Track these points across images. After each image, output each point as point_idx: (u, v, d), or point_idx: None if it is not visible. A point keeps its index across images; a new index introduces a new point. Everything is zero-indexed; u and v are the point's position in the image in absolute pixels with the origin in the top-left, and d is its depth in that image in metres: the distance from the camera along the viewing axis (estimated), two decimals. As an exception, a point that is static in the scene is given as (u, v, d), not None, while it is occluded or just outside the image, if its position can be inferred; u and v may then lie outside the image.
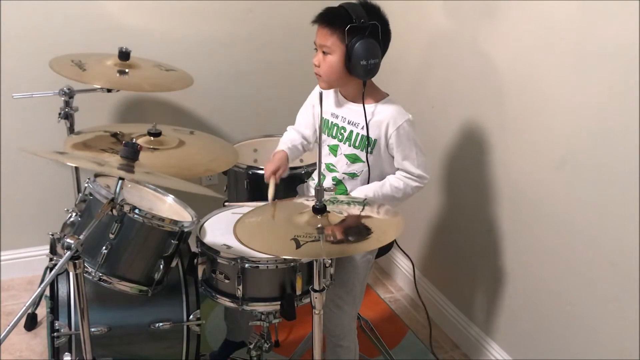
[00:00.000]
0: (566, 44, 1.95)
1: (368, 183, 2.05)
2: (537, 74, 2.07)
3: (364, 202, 1.83)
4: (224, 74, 3.04)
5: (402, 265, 3.02)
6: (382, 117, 2.00)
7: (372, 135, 2.01)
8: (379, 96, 2.04)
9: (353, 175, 2.06)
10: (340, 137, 2.07)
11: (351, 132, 2.04)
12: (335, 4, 1.99)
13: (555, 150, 2.04)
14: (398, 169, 2.03)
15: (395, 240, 2.31)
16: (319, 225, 1.62)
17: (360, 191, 2.02)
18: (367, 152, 2.01)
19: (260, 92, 3.12)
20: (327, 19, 1.96)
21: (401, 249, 2.47)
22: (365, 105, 2.00)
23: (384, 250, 2.23)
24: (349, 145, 2.05)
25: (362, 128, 2.01)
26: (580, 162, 1.95)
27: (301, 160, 2.57)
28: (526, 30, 2.10)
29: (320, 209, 1.64)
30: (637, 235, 1.77)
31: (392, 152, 2.02)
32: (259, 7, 2.98)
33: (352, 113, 2.04)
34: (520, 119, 2.17)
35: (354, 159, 2.04)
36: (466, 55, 2.40)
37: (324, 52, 1.98)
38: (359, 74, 1.95)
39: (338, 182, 2.08)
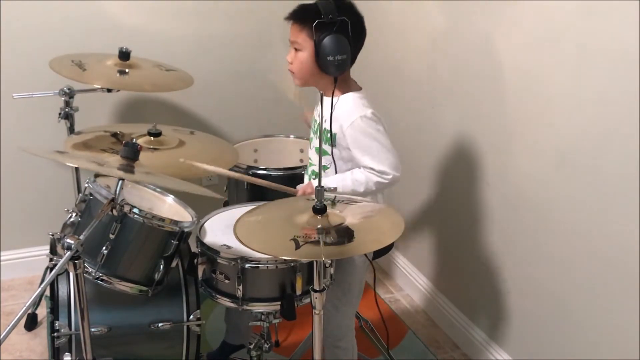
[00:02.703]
0: (567, 44, 1.95)
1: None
2: (537, 74, 2.07)
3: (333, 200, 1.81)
4: (224, 74, 3.04)
5: (403, 265, 3.02)
6: (340, 111, 1.99)
7: (333, 129, 1.99)
8: (346, 89, 2.02)
9: (324, 168, 2.06)
10: (314, 130, 2.09)
11: (319, 125, 2.05)
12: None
13: (556, 150, 2.03)
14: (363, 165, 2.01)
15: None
16: (318, 226, 1.62)
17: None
18: (331, 146, 2.01)
19: (260, 92, 3.12)
20: (298, 15, 1.97)
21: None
22: (329, 99, 1.99)
23: (385, 250, 2.22)
24: (316, 138, 2.06)
25: (326, 121, 2.00)
26: (580, 162, 1.95)
27: (301, 161, 2.58)
28: (527, 30, 2.09)
29: (320, 209, 1.64)
30: (637, 236, 1.77)
31: (351, 149, 1.98)
32: (259, 7, 2.98)
33: (323, 107, 2.04)
34: (520, 118, 2.17)
35: (323, 152, 2.04)
36: (466, 55, 2.40)
37: (295, 49, 1.99)
38: (328, 70, 1.94)
39: (316, 176, 2.08)
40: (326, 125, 2.00)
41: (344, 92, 2.01)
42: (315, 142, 2.07)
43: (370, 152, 1.96)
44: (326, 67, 1.94)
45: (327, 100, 2.02)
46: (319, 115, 2.05)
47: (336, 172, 2.04)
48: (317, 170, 2.06)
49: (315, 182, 1.99)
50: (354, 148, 1.97)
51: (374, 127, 1.96)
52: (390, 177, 1.96)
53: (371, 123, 1.96)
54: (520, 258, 2.26)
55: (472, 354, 2.56)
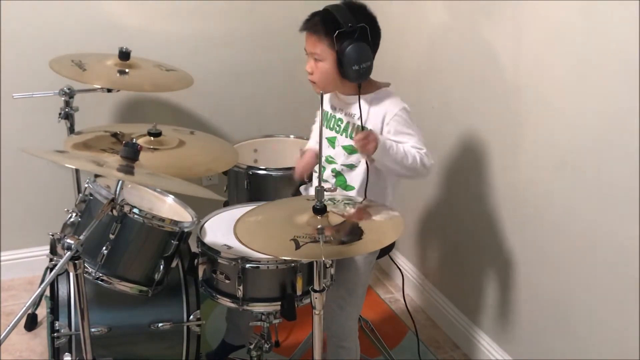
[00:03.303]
0: (567, 46, 1.95)
1: (367, 175, 2.02)
2: (537, 75, 2.07)
3: (362, 201, 1.82)
4: (224, 74, 3.03)
5: (403, 265, 3.02)
6: (378, 108, 2.00)
7: (369, 126, 1.99)
8: (376, 87, 2.04)
9: (351, 167, 2.06)
10: (337, 128, 2.07)
11: (348, 123, 2.05)
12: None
13: (556, 151, 2.03)
14: None
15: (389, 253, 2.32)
16: (319, 226, 1.62)
17: (381, 141, 1.96)
18: None
19: (260, 92, 3.11)
20: (314, 25, 1.95)
21: (394, 262, 2.48)
22: (362, 96, 1.99)
23: (386, 250, 2.23)
24: (346, 137, 2.05)
25: (358, 119, 2.01)
26: (580, 163, 1.95)
27: (302, 161, 2.57)
28: (528, 32, 2.09)
29: (320, 210, 1.64)
30: (637, 236, 1.77)
31: (395, 138, 1.99)
32: (259, 7, 2.98)
33: (349, 105, 2.05)
34: (520, 120, 2.17)
35: (351, 150, 2.04)
36: (467, 56, 2.40)
37: (315, 59, 1.98)
38: (352, 78, 1.94)
39: (337, 174, 2.08)
40: (358, 122, 2.00)
41: (373, 88, 2.03)
42: (342, 141, 2.06)
43: (414, 139, 1.99)
44: (350, 76, 1.94)
45: (353, 98, 2.02)
46: (346, 114, 2.04)
47: (367, 170, 2.02)
48: (337, 169, 2.06)
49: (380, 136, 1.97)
50: (399, 137, 1.99)
51: (412, 120, 2.01)
52: (432, 162, 2.00)
53: (410, 116, 2.01)
54: (521, 258, 2.26)
55: (472, 354, 2.56)
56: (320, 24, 1.94)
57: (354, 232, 1.65)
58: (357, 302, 2.14)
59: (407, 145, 1.98)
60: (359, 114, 2.00)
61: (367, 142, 1.90)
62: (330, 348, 2.16)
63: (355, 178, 2.06)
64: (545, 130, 2.07)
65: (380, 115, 2.00)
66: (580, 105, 1.92)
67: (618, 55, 1.78)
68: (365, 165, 2.03)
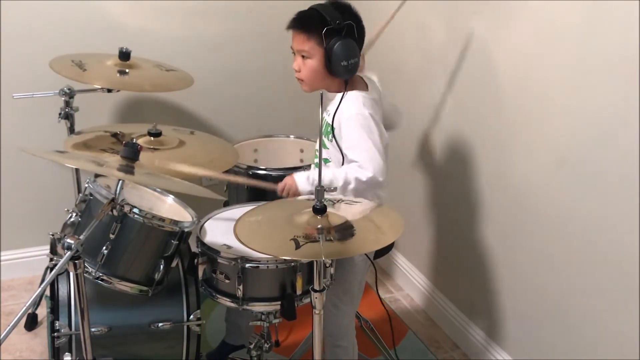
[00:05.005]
0: (566, 46, 1.95)
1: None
2: (537, 74, 2.07)
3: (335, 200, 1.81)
4: (224, 74, 3.04)
5: (403, 265, 3.02)
6: (342, 106, 1.99)
7: (334, 123, 2.00)
8: (353, 87, 2.03)
9: (326, 161, 2.06)
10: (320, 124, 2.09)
11: (323, 119, 2.06)
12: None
13: (555, 151, 2.04)
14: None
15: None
16: (319, 226, 1.62)
17: (303, 176, 2.01)
18: (330, 140, 2.02)
19: (260, 92, 3.11)
20: (302, 23, 1.97)
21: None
22: (338, 95, 2.01)
23: (385, 250, 2.23)
24: (321, 132, 2.06)
25: (329, 115, 2.02)
26: (580, 162, 1.95)
27: (301, 161, 2.58)
28: (526, 31, 2.09)
29: (320, 209, 1.64)
30: (637, 235, 1.77)
31: (343, 142, 1.98)
32: (259, 7, 2.98)
33: (329, 102, 2.06)
34: (519, 119, 2.17)
35: (323, 145, 2.05)
36: (466, 56, 2.40)
37: (303, 57, 1.99)
38: (341, 74, 1.96)
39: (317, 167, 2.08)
40: (329, 119, 2.01)
41: (351, 87, 2.03)
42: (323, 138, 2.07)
43: (359, 147, 1.95)
44: (339, 72, 1.95)
45: (330, 95, 2.03)
46: (326, 112, 2.06)
47: (341, 165, 2.03)
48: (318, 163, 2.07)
49: (297, 176, 2.01)
50: (345, 142, 1.97)
51: (370, 126, 1.95)
52: (370, 174, 1.91)
53: (369, 122, 1.96)
54: (520, 258, 2.26)
55: (472, 354, 2.56)
56: (308, 22, 1.96)
57: (346, 231, 1.65)
58: (352, 301, 2.14)
59: (343, 166, 1.98)
60: (332, 111, 2.01)
61: (287, 193, 1.99)
62: (327, 347, 2.16)
63: None
64: (544, 130, 2.07)
65: (340, 114, 1.99)
66: (579, 105, 1.92)
67: (618, 53, 1.78)
68: (340, 161, 2.02)
